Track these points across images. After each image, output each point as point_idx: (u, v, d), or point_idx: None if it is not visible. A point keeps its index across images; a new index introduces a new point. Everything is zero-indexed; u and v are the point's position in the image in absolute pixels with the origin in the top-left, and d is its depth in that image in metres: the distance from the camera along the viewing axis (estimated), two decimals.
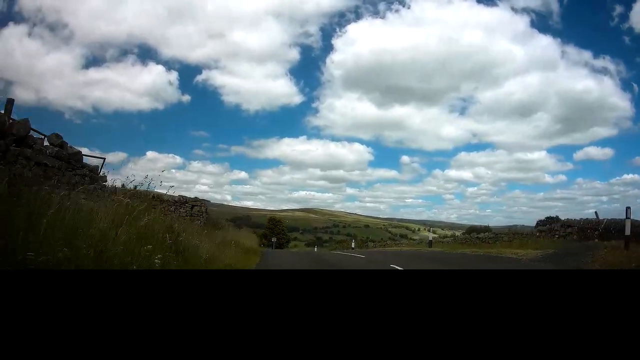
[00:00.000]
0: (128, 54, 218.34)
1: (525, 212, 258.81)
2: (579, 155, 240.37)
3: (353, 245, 24.60)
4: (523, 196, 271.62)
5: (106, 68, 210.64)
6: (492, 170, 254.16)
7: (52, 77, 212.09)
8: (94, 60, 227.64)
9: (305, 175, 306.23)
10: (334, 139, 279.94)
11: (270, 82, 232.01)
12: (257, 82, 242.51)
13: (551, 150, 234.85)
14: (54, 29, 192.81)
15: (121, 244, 4.29)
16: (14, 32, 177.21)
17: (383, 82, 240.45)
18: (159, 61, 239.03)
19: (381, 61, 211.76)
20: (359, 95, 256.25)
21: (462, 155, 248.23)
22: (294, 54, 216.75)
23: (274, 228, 74.71)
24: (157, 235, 5.75)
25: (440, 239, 27.07)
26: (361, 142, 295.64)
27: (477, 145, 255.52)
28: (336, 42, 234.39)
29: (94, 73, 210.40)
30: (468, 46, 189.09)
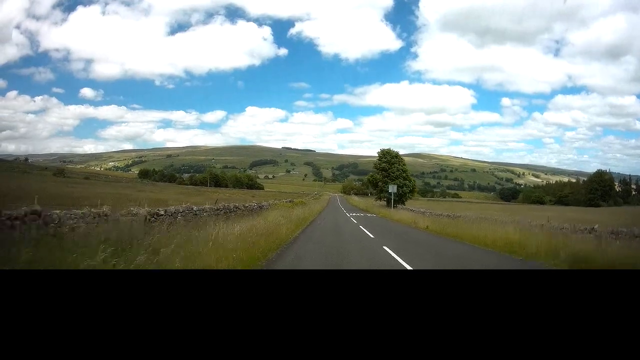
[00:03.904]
0: (214, 15, 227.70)
1: (619, 159, 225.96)
2: None
3: None
4: (617, 142, 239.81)
5: (193, 32, 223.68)
6: (588, 114, 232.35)
7: (136, 49, 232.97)
8: (179, 27, 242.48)
9: (410, 120, 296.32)
10: (436, 82, 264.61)
11: (367, 29, 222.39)
12: (354, 30, 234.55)
13: None
14: (130, 4, 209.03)
15: None
16: (85, 14, 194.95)
17: (478, 24, 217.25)
18: (249, 19, 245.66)
19: (474, 3, 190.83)
20: (457, 36, 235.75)
21: (559, 98, 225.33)
22: (387, 0, 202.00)
23: (388, 169, 44.38)
24: None
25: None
26: (462, 85, 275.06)
27: (573, 88, 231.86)
28: None
29: (181, 38, 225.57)
30: None
